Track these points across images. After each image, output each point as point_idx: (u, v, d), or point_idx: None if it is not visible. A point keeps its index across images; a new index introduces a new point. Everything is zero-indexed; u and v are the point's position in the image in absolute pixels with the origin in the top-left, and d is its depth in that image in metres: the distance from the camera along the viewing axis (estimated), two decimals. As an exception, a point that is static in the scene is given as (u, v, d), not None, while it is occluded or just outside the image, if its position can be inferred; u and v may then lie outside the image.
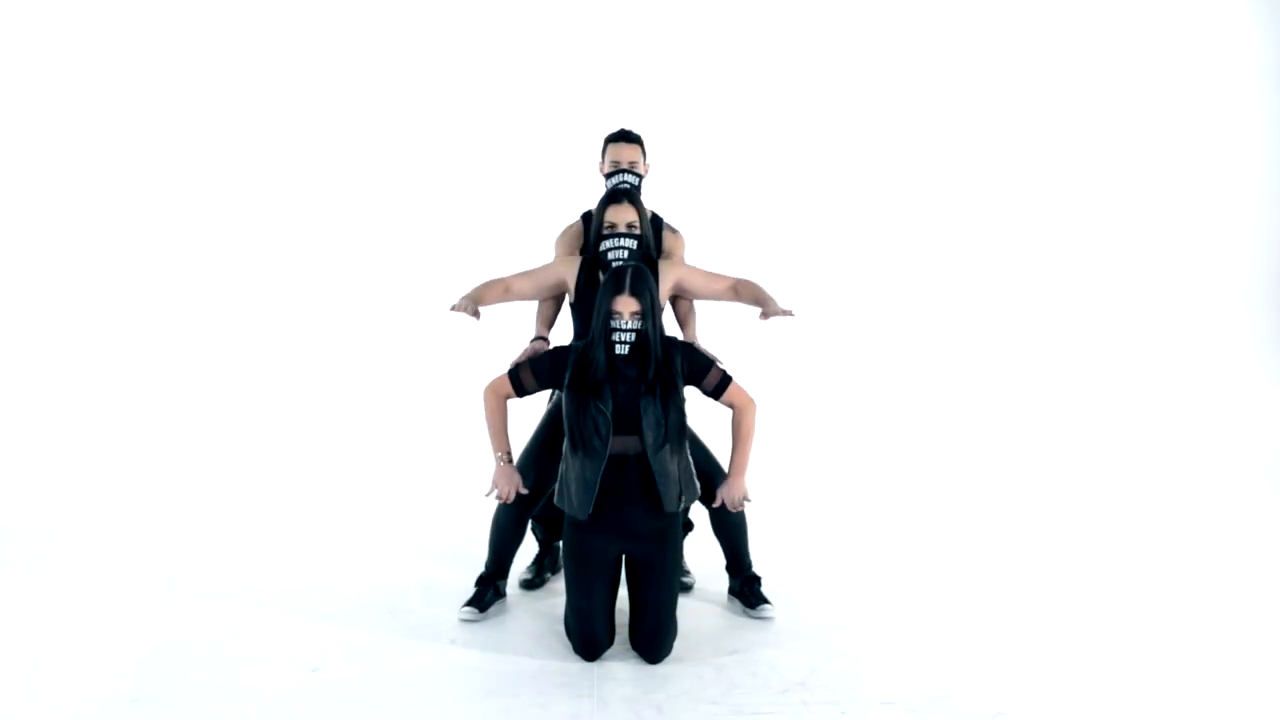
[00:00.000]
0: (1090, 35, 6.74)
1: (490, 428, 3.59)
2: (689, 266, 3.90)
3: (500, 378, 3.56)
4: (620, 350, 3.42)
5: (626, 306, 3.41)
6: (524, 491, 3.59)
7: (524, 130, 6.62)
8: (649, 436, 3.39)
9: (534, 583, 4.09)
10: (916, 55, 6.72)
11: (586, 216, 3.98)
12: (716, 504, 3.66)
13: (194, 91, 6.49)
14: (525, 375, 3.52)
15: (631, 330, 3.40)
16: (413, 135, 6.60)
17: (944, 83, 6.74)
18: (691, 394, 3.61)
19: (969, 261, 6.83)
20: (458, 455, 5.31)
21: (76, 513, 4.92)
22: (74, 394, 6.31)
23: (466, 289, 3.79)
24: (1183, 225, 6.84)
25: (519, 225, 6.07)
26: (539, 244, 4.41)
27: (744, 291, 3.82)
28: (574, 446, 3.42)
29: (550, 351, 3.56)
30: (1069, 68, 6.76)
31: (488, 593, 3.80)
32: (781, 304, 3.72)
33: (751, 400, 3.58)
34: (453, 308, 3.64)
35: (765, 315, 3.68)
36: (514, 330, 6.11)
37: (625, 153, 3.93)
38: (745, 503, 3.64)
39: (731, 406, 3.58)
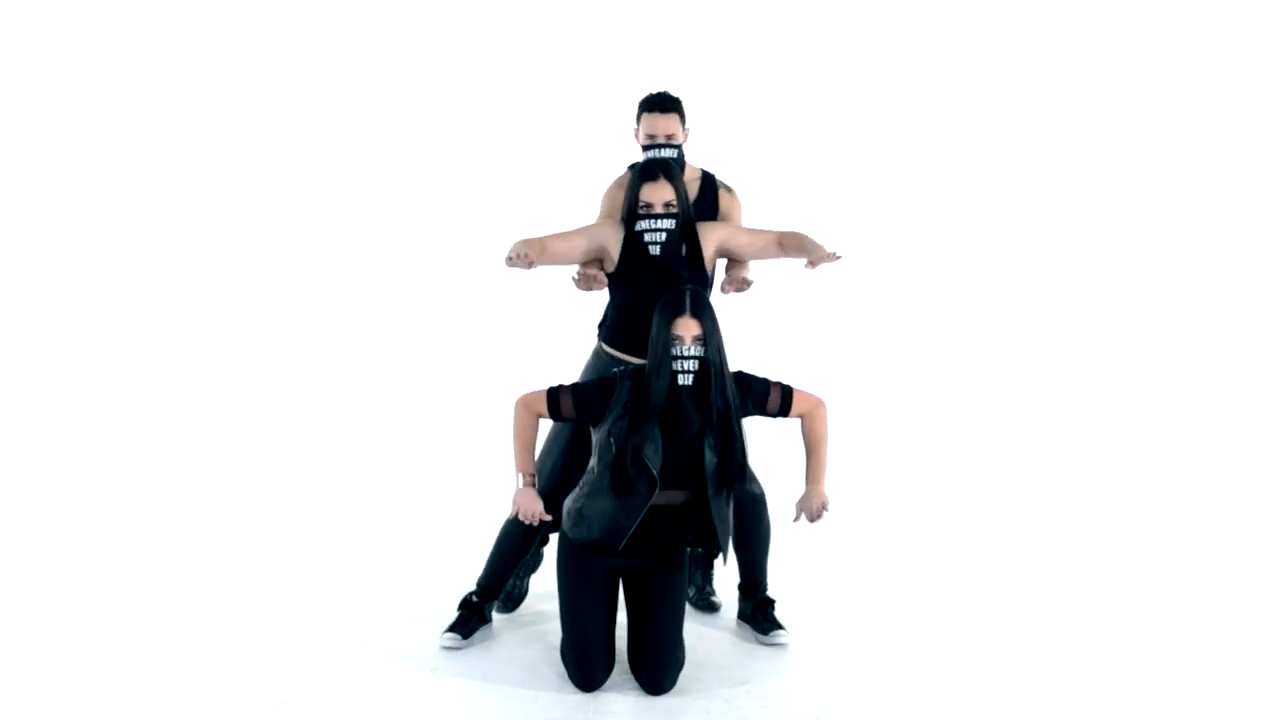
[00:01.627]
0: (1091, 35, 6.70)
1: (517, 444, 3.22)
2: (730, 226, 3.54)
3: (537, 394, 3.20)
4: (684, 380, 3.08)
5: (688, 330, 3.08)
6: (548, 519, 3.23)
7: (524, 129, 6.56)
8: (710, 483, 3.07)
9: (515, 598, 3.75)
10: (920, 56, 6.67)
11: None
12: (795, 519, 3.30)
13: (194, 92, 6.47)
14: (565, 401, 3.16)
15: (695, 357, 3.08)
16: (412, 135, 6.57)
17: (949, 81, 6.69)
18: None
19: (970, 263, 6.77)
20: (443, 469, 5.08)
21: (41, 522, 4.58)
22: (50, 400, 6.09)
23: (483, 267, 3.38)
24: (1183, 225, 6.78)
25: (519, 225, 5.82)
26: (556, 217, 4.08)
27: (789, 244, 3.45)
28: (611, 488, 3.08)
29: (599, 380, 3.19)
30: (1070, 68, 6.72)
31: (473, 617, 3.46)
32: (828, 247, 3.33)
33: (819, 400, 3.27)
34: (509, 260, 3.21)
35: (812, 264, 3.30)
36: (509, 336, 5.91)
37: (661, 124, 3.52)
38: (825, 513, 3.29)
39: (801, 417, 3.27)
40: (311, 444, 5.90)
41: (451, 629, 3.43)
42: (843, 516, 4.92)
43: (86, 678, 3.19)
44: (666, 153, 3.51)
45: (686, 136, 3.62)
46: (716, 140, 4.91)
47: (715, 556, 3.45)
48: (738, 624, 3.64)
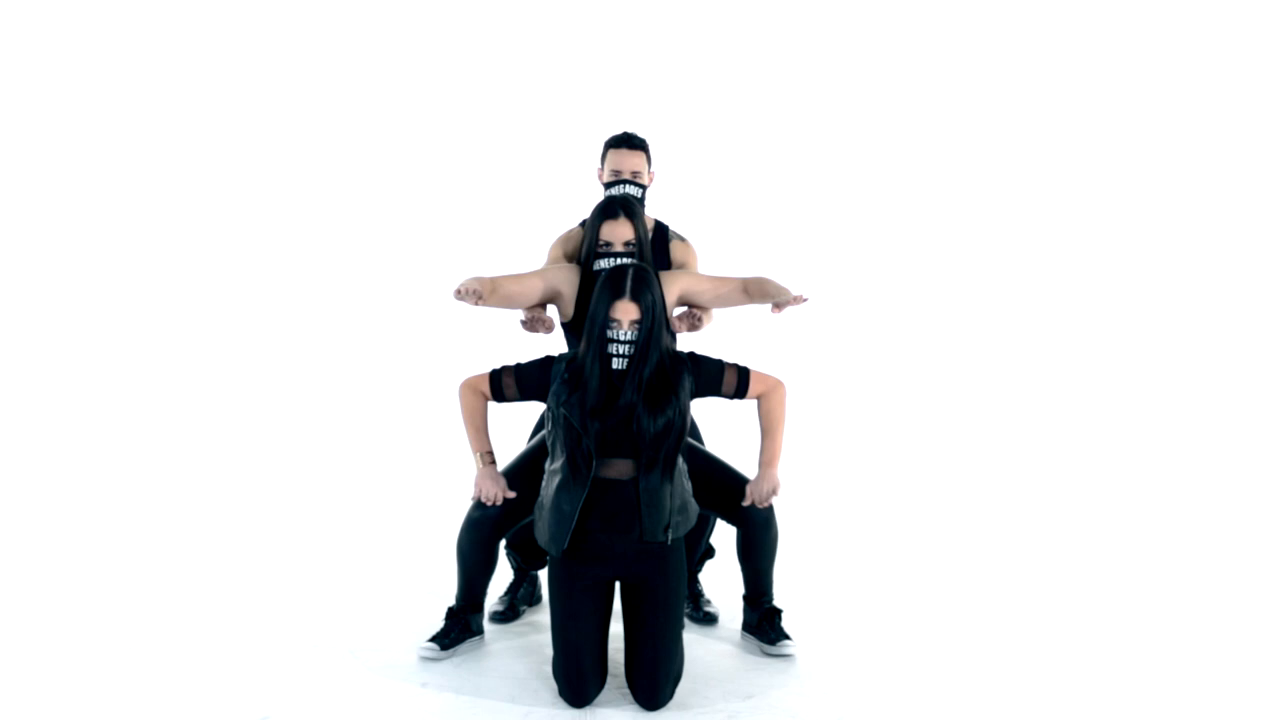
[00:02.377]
0: (1092, 36, 6.68)
1: (469, 426, 3.19)
2: (692, 274, 3.48)
3: (480, 375, 3.17)
4: (617, 364, 2.98)
5: (626, 314, 2.97)
6: (510, 495, 3.16)
7: (524, 130, 6.53)
8: (642, 459, 2.95)
9: (506, 615, 3.62)
10: (920, 56, 6.66)
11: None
12: (746, 501, 3.21)
13: (193, 92, 6.47)
14: (508, 381, 3.13)
15: (630, 342, 2.96)
16: (411, 135, 6.56)
17: (948, 82, 6.68)
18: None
19: (971, 266, 6.74)
20: (433, 474, 4.97)
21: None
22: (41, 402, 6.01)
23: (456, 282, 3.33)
24: (1183, 225, 6.76)
25: (519, 225, 5.94)
26: (539, 244, 4.01)
27: (754, 290, 3.40)
28: (555, 472, 3.01)
29: (541, 359, 3.14)
30: (1071, 68, 6.70)
31: (455, 628, 3.30)
32: (794, 291, 3.31)
33: (777, 381, 3.17)
34: (457, 293, 3.15)
35: (778, 308, 3.28)
36: (505, 341, 5.82)
37: (628, 160, 3.49)
38: (774, 497, 3.22)
39: (759, 398, 3.16)
40: (300, 447, 5.81)
41: (432, 639, 3.29)
42: (852, 521, 4.78)
43: (65, 694, 3.06)
44: (631, 190, 3.44)
45: (652, 179, 3.56)
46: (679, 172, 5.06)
47: (697, 560, 3.35)
48: (742, 635, 3.47)
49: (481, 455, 3.19)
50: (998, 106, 6.70)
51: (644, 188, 3.50)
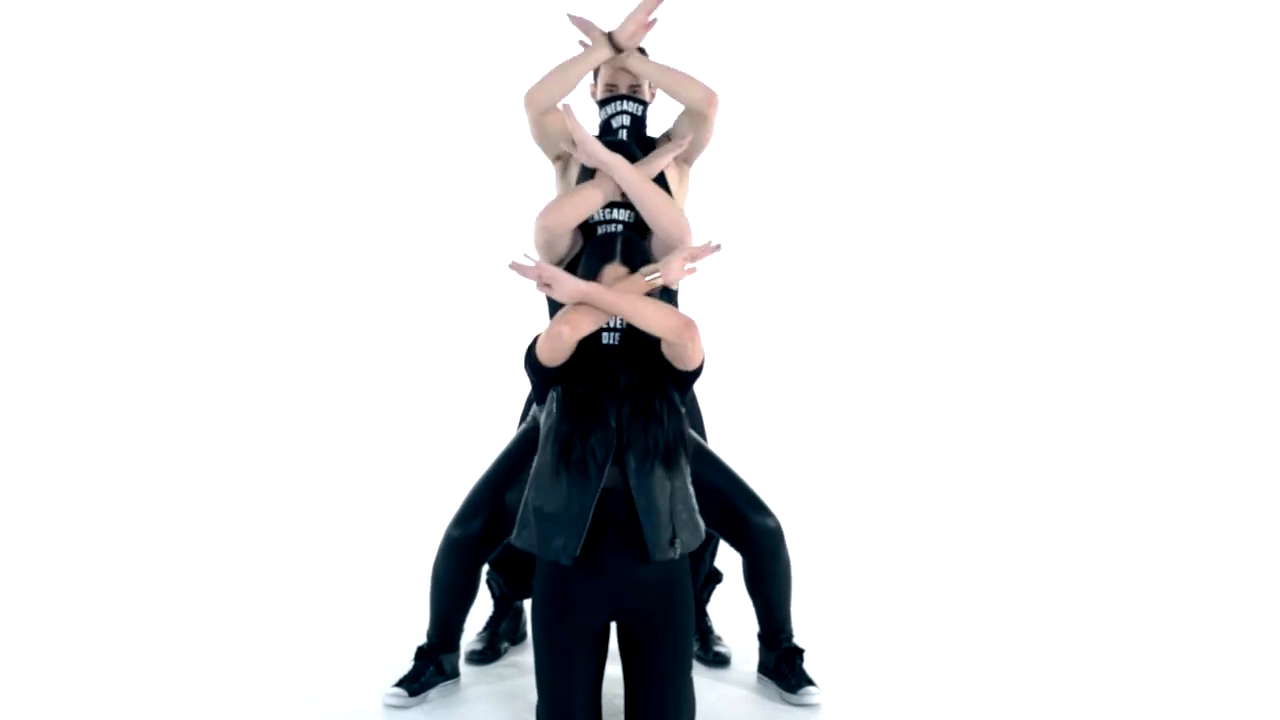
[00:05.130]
0: (1093, 35, 6.53)
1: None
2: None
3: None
4: (609, 339, 2.58)
5: (616, 280, 2.56)
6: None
7: (524, 130, 6.22)
8: (632, 460, 2.51)
9: (485, 655, 3.15)
10: (919, 57, 6.53)
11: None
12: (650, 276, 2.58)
13: (193, 92, 6.34)
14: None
15: None
16: (410, 136, 6.42)
17: (946, 82, 6.54)
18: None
19: (972, 268, 6.56)
20: (403, 488, 4.68)
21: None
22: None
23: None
24: (1184, 225, 6.60)
25: (516, 227, 5.60)
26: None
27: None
28: (557, 468, 2.52)
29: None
30: (1072, 68, 6.56)
31: (426, 670, 2.84)
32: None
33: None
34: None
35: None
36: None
37: (624, 73, 3.00)
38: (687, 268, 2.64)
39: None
40: (258, 455, 5.46)
41: (399, 683, 2.83)
42: (879, 550, 4.33)
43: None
44: (630, 108, 2.99)
45: (654, 96, 3.07)
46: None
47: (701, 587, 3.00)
48: (758, 679, 3.03)
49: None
50: (997, 107, 6.57)
51: (645, 104, 3.02)
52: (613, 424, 2.52)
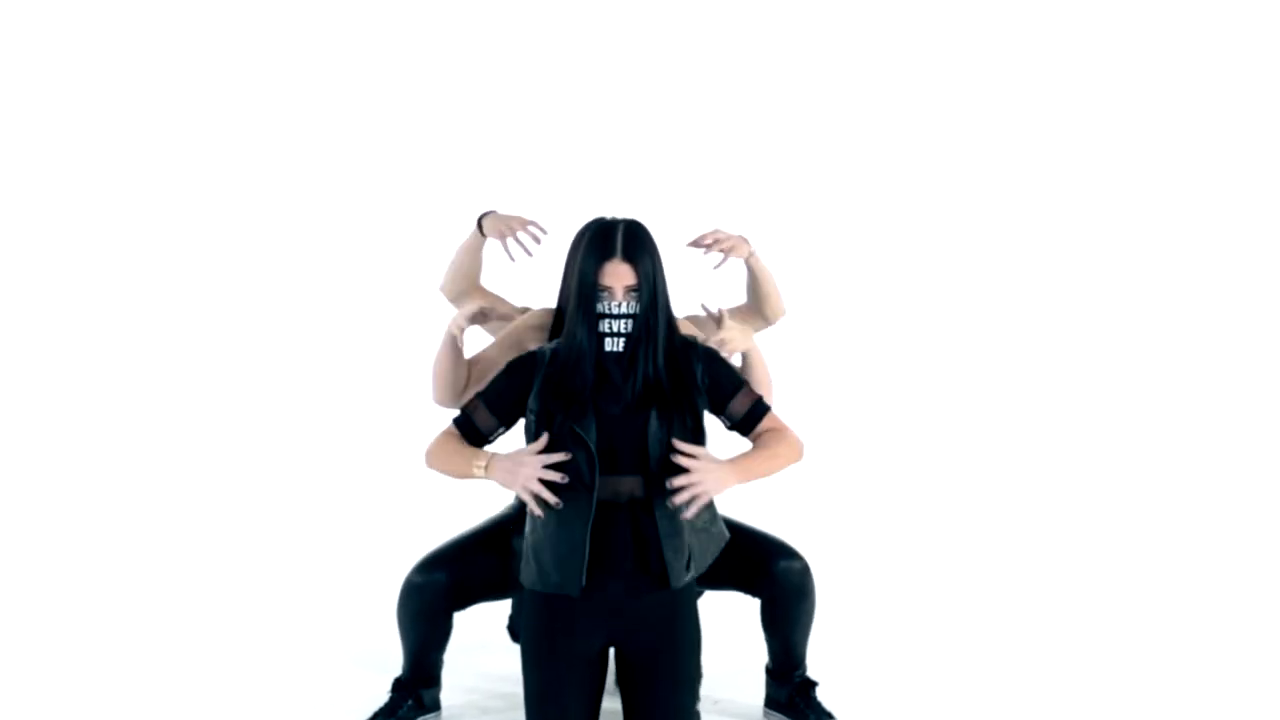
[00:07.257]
0: (1093, 36, 6.50)
1: (452, 467, 2.35)
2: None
3: (443, 432, 2.41)
4: (612, 345, 2.32)
5: (618, 279, 2.32)
6: (563, 456, 2.26)
7: (524, 132, 6.34)
8: (655, 464, 2.28)
9: None
10: (917, 58, 6.49)
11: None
12: (678, 457, 2.26)
13: (193, 91, 6.29)
14: (478, 412, 2.38)
15: (626, 316, 2.31)
16: (411, 136, 6.37)
17: (945, 84, 6.50)
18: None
19: (971, 271, 6.49)
20: (380, 505, 4.61)
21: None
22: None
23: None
24: (1185, 225, 6.55)
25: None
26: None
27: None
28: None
29: (507, 365, 2.42)
30: (1072, 69, 6.52)
31: (404, 704, 2.61)
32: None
33: (798, 440, 2.43)
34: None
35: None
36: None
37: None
38: (692, 497, 2.24)
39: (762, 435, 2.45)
40: (230, 469, 5.33)
41: (374, 716, 2.61)
42: (901, 574, 4.12)
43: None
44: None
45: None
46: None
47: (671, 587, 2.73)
48: (765, 713, 2.81)
49: (480, 465, 2.31)
50: (997, 107, 6.53)
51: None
52: (592, 440, 2.27)
